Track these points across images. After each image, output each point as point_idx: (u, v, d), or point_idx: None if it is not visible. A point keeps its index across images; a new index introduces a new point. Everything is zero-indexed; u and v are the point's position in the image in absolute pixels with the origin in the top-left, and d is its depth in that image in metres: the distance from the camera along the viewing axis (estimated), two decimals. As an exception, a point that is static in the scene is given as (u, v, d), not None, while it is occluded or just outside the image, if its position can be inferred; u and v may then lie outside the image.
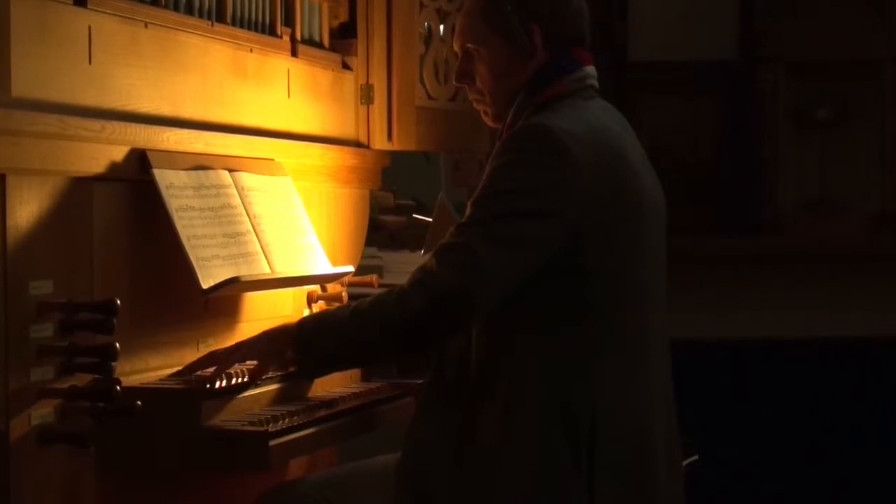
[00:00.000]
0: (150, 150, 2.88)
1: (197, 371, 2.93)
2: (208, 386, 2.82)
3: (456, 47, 3.04)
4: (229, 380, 2.89)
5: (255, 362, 2.94)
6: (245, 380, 2.92)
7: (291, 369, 3.01)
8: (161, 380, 2.90)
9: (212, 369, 2.88)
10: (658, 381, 2.90)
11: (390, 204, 5.54)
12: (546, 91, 2.90)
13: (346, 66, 3.83)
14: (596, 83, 2.98)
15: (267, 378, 2.99)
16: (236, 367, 2.92)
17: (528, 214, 2.74)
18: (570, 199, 2.74)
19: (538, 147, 2.77)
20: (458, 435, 2.81)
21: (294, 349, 2.89)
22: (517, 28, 2.91)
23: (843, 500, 6.06)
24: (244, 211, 3.14)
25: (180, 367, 2.96)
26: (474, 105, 3.05)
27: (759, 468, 6.08)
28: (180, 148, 2.99)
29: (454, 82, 3.10)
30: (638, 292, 2.85)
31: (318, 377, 2.99)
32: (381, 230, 5.16)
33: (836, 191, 6.39)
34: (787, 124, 6.36)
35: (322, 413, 3.03)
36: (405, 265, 4.46)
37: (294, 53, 3.56)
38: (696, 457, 3.75)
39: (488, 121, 3.03)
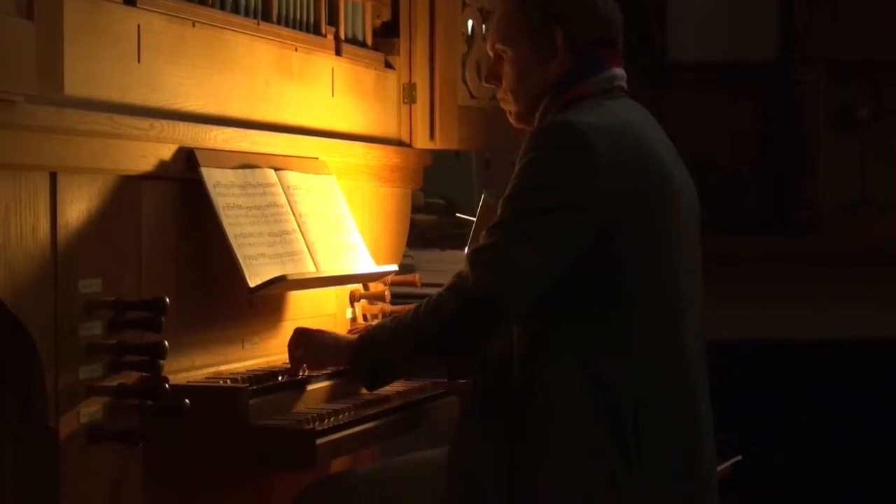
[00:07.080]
0: (198, 148, 2.89)
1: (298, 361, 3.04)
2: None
3: (488, 48, 3.06)
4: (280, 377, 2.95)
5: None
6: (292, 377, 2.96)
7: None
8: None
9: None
10: (696, 373, 2.88)
11: (420, 202, 5.51)
12: (572, 91, 2.90)
13: (388, 65, 3.83)
14: (624, 84, 2.96)
15: (315, 377, 3.02)
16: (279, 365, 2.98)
17: (554, 210, 2.75)
18: (595, 191, 2.74)
19: (561, 142, 2.78)
20: (505, 438, 2.80)
21: (349, 365, 2.94)
22: (538, 30, 2.91)
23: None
24: (290, 209, 3.14)
25: (226, 365, 3.01)
26: (501, 105, 3.05)
27: (800, 469, 6.05)
28: (227, 146, 3.00)
29: (483, 83, 3.11)
30: (671, 285, 2.83)
31: (375, 389, 3.00)
32: (411, 228, 5.17)
33: (877, 191, 6.36)
34: (827, 125, 6.34)
35: (367, 412, 3.03)
36: (435, 263, 4.47)
37: (338, 52, 3.57)
38: (739, 457, 3.74)
39: (513, 121, 3.03)
